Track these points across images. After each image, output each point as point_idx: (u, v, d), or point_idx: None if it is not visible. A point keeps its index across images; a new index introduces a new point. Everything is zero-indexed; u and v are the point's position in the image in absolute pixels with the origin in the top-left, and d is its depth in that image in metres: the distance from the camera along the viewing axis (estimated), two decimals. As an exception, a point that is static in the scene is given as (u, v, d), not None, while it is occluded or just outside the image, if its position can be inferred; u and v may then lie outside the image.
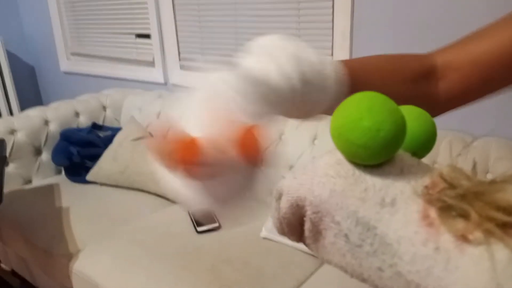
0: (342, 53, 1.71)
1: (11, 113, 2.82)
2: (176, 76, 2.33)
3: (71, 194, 1.90)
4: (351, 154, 0.31)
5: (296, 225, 0.33)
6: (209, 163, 0.29)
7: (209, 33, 2.12)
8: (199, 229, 1.54)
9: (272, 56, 0.36)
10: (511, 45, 0.45)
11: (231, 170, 0.32)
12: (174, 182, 0.33)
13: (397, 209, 0.28)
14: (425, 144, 0.35)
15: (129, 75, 2.53)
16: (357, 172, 0.31)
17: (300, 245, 1.43)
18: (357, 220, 0.29)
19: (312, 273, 1.36)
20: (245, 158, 0.30)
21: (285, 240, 1.46)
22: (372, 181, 0.30)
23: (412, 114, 0.35)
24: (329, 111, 0.40)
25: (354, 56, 1.70)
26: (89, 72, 2.77)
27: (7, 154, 1.99)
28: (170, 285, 1.30)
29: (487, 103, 1.43)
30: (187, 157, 0.29)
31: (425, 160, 0.35)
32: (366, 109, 0.30)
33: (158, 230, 1.58)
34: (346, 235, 0.29)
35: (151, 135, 2.08)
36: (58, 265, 1.55)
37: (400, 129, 0.30)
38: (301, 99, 0.37)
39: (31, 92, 3.16)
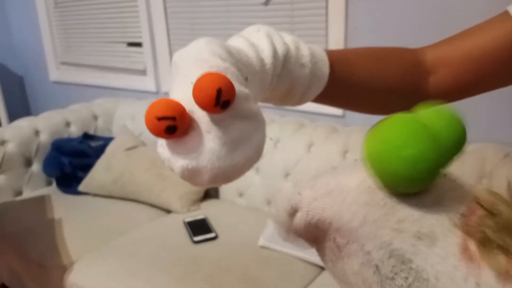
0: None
1: (-1, 124, 2.78)
2: (169, 84, 2.31)
3: (63, 206, 1.86)
4: (388, 182, 0.29)
5: (307, 239, 0.32)
6: (173, 122, 0.26)
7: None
8: (195, 239, 1.52)
9: (244, 36, 0.36)
10: (501, 42, 0.45)
11: (195, 123, 0.28)
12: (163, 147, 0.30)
13: (434, 241, 0.27)
14: (456, 151, 0.33)
15: (120, 84, 2.51)
16: (392, 201, 0.29)
17: (299, 254, 1.42)
18: (391, 252, 0.27)
19: (311, 282, 1.35)
20: (199, 103, 0.26)
21: (283, 249, 1.45)
22: (407, 211, 0.28)
23: (442, 119, 0.32)
24: (314, 93, 0.40)
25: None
26: (79, 81, 2.74)
27: (-3, 166, 1.96)
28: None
29: (479, 107, 1.44)
30: (155, 112, 0.26)
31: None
32: (407, 135, 0.27)
33: (153, 241, 1.56)
34: (376, 266, 0.28)
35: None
36: (52, 277, 1.52)
37: (441, 157, 0.28)
38: (278, 75, 0.37)
39: (20, 102, 3.12)
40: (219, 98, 0.26)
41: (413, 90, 0.47)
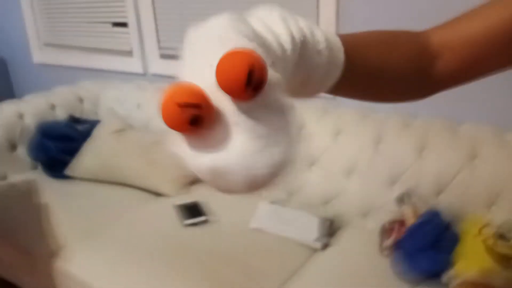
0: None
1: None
2: (156, 65, 2.26)
3: (50, 190, 1.82)
4: None
5: None
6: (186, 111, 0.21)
7: (190, 19, 2.06)
8: (187, 222, 1.50)
9: (259, 18, 0.31)
10: (502, 25, 0.45)
11: (217, 111, 0.23)
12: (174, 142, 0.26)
13: None
14: None
15: (106, 66, 2.45)
16: None
17: (290, 236, 1.41)
18: None
19: (303, 264, 1.34)
20: (225, 87, 0.22)
21: (275, 231, 1.44)
22: None
23: None
24: (331, 80, 0.38)
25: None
26: (63, 63, 2.66)
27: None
28: (158, 281, 1.26)
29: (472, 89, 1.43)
30: (176, 97, 0.21)
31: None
32: None
33: (144, 225, 1.53)
34: None
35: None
36: (41, 265, 1.49)
37: None
38: (296, 62, 0.33)
39: (2, 85, 3.03)
40: (251, 79, 0.21)
41: (420, 75, 0.47)
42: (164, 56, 2.22)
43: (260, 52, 0.25)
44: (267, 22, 0.31)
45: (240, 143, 0.23)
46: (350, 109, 1.61)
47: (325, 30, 0.37)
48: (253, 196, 1.67)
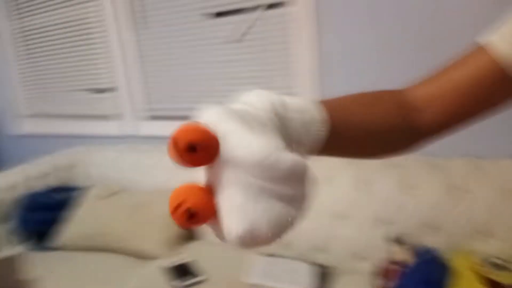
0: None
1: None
2: (146, 127, 2.29)
3: (39, 264, 1.74)
4: None
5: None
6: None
7: (179, 81, 2.12)
8: (179, 285, 1.45)
9: (247, 101, 0.35)
10: (478, 77, 0.47)
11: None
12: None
13: None
14: None
15: (96, 131, 2.47)
16: None
17: (288, 287, 1.37)
18: None
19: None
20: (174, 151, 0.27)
21: (275, 285, 1.39)
22: None
23: None
24: (314, 151, 0.40)
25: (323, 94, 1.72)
26: (51, 133, 2.67)
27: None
28: None
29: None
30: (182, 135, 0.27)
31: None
32: None
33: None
34: None
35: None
36: None
37: None
38: (276, 126, 0.35)
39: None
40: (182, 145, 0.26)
41: (405, 130, 0.49)
42: (153, 118, 2.26)
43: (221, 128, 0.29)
44: (252, 102, 0.35)
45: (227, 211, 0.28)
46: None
47: (307, 99, 0.39)
48: (246, 251, 1.63)
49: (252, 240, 0.27)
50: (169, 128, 2.17)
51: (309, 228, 1.57)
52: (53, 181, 2.18)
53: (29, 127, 2.79)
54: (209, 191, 0.28)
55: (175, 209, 0.27)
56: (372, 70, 1.60)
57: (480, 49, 0.48)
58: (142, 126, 2.30)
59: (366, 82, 1.61)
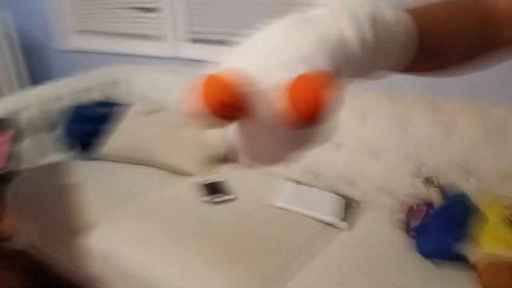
0: None
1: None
2: (188, 50, 2.30)
3: (82, 171, 1.89)
4: None
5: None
6: (239, 105, 0.24)
7: (222, 4, 2.09)
8: (214, 200, 1.53)
9: (350, 11, 0.32)
10: None
11: (270, 123, 0.26)
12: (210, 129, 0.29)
13: None
14: None
15: (138, 51, 2.51)
16: None
17: (314, 214, 1.42)
18: None
19: (326, 242, 1.35)
20: (294, 111, 0.23)
21: (300, 209, 1.45)
22: None
23: None
24: (399, 68, 0.39)
25: None
26: (96, 49, 2.74)
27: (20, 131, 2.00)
28: (183, 257, 1.30)
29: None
30: (209, 92, 0.23)
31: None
32: None
33: (172, 203, 1.58)
34: None
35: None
36: (71, 241, 1.56)
37: None
38: (371, 58, 0.34)
39: (37, 70, 3.16)
40: (322, 113, 0.23)
41: (491, 48, 0.46)
42: (195, 41, 2.26)
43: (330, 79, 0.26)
44: (358, 22, 0.32)
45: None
46: (377, 92, 1.59)
47: (406, 19, 0.37)
48: (277, 176, 1.69)
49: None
50: (209, 52, 2.18)
51: (339, 161, 1.59)
52: (96, 96, 2.27)
53: (76, 43, 2.87)
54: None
55: (218, 99, 0.24)
56: None
57: None
58: (184, 49, 2.32)
59: None
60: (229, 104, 0.23)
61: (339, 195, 1.53)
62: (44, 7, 2.97)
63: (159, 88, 2.20)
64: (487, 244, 1.13)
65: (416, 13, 0.39)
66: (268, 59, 0.27)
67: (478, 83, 1.45)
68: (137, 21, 2.47)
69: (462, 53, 0.45)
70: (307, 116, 0.23)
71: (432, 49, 0.42)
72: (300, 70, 0.25)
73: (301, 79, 0.23)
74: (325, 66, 0.27)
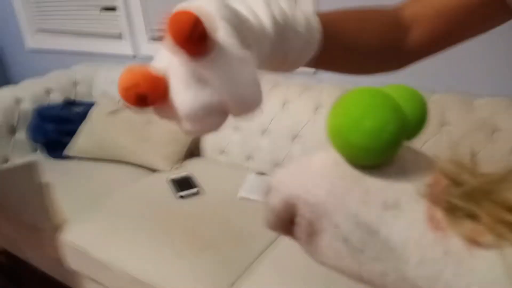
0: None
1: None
2: (146, 47, 2.34)
3: (50, 170, 1.93)
4: (351, 155, 0.29)
5: (287, 221, 0.32)
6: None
7: (177, 1, 2.13)
8: (180, 194, 1.62)
9: (244, 1, 0.35)
10: None
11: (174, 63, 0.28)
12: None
13: (400, 211, 0.26)
14: (419, 127, 0.33)
15: (98, 49, 2.53)
16: (357, 173, 0.29)
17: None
18: (358, 224, 0.27)
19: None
20: (173, 41, 0.25)
21: (261, 199, 1.56)
22: (372, 182, 0.28)
23: (404, 96, 0.32)
24: (305, 58, 0.41)
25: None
26: (56, 48, 2.73)
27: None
28: (154, 249, 1.38)
29: (444, 56, 1.53)
30: (121, 84, 0.27)
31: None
32: (367, 106, 0.27)
33: (140, 199, 1.65)
34: (345, 239, 0.28)
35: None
36: (46, 238, 1.61)
37: (403, 128, 0.27)
38: (275, 43, 0.36)
39: (-3, 71, 3.10)
40: (196, 28, 0.24)
41: (394, 47, 0.50)
42: (153, 38, 2.30)
43: (233, 23, 0.29)
44: (251, 5, 0.34)
45: (185, 95, 0.28)
46: (330, 85, 1.71)
47: (305, 11, 0.40)
48: (241, 169, 1.79)
49: (199, 130, 0.30)
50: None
51: (301, 153, 1.71)
52: (56, 97, 2.28)
53: (36, 42, 2.84)
54: (162, 77, 0.28)
55: (126, 90, 0.26)
56: None
57: None
58: (142, 47, 2.35)
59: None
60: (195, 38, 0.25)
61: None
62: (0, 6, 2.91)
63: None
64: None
65: (323, 14, 0.43)
66: None
67: (461, 75, 1.52)
68: (95, 19, 2.48)
69: (370, 56, 0.49)
70: (178, 32, 0.24)
71: (340, 47, 0.45)
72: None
73: (178, 10, 0.25)
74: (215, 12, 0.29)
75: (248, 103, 0.29)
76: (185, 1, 0.30)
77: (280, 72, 0.42)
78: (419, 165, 0.29)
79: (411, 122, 0.31)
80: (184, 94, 0.28)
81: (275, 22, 0.35)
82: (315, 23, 0.40)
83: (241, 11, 0.32)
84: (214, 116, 0.29)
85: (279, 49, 0.37)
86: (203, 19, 0.25)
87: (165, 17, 0.25)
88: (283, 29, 0.36)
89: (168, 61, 0.28)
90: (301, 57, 0.40)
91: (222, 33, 0.27)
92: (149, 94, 0.27)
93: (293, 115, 1.69)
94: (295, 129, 1.70)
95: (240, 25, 0.30)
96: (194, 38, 0.24)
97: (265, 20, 0.34)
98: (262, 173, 1.73)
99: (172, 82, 0.28)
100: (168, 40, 0.25)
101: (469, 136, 1.38)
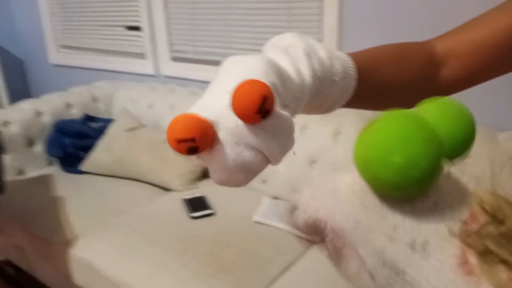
0: (330, 46, 1.77)
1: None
2: (167, 68, 2.37)
3: (66, 185, 1.94)
4: (379, 188, 0.27)
5: (310, 235, 0.32)
6: (197, 135, 0.26)
7: (201, 24, 2.17)
8: (194, 215, 1.59)
9: (286, 52, 0.35)
10: (507, 33, 0.46)
11: (225, 133, 0.28)
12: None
13: (430, 253, 0.25)
14: (463, 146, 0.30)
15: (119, 68, 2.57)
16: (385, 205, 0.27)
17: (290, 229, 1.50)
18: (384, 261, 0.26)
19: (302, 254, 1.43)
20: (238, 110, 0.26)
21: (276, 224, 1.52)
22: (401, 218, 0.26)
23: (446, 113, 0.29)
24: (339, 104, 0.41)
25: (343, 49, 1.77)
26: (79, 64, 2.78)
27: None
28: (169, 269, 1.35)
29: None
30: (174, 134, 0.26)
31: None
32: (397, 138, 0.25)
33: (153, 218, 1.63)
34: (371, 273, 0.27)
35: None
36: (57, 252, 1.59)
37: (437, 163, 0.25)
38: (312, 94, 0.36)
39: (20, 85, 3.16)
40: (264, 105, 0.25)
41: (427, 83, 0.49)
42: (175, 59, 2.33)
43: (277, 88, 0.29)
44: (294, 58, 0.34)
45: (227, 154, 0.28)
46: (352, 110, 1.69)
47: (341, 57, 0.39)
48: (256, 191, 1.76)
49: (228, 183, 0.29)
50: (188, 70, 2.25)
51: (315, 177, 1.68)
52: (78, 111, 2.31)
53: (60, 58, 2.90)
54: (212, 128, 0.28)
55: (179, 142, 0.26)
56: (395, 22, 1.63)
57: (508, 5, 0.46)
58: (164, 67, 2.38)
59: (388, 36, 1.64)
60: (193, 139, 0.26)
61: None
62: (26, 22, 3.00)
63: (139, 105, 2.26)
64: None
65: (358, 55, 0.42)
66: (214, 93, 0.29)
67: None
68: (119, 38, 2.53)
69: (404, 93, 0.48)
70: (246, 109, 0.25)
71: (375, 88, 0.44)
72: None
73: (241, 84, 0.26)
74: (263, 79, 0.29)
75: (284, 155, 0.29)
76: (231, 58, 0.31)
77: (315, 114, 0.42)
78: (457, 196, 0.27)
79: (455, 141, 0.28)
80: (231, 149, 0.28)
81: (315, 77, 0.35)
82: (352, 70, 0.40)
83: (284, 67, 0.32)
84: (250, 173, 0.29)
85: (315, 99, 0.37)
86: (269, 95, 0.25)
87: (234, 87, 0.26)
88: (321, 81, 0.36)
89: (219, 115, 0.28)
90: (336, 103, 0.40)
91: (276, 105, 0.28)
92: (200, 147, 0.27)
93: (312, 140, 1.68)
94: (313, 154, 1.68)
95: (283, 86, 0.31)
96: (260, 114, 0.26)
97: (307, 77, 0.34)
98: (277, 198, 1.70)
99: (222, 135, 0.28)
100: (234, 107, 0.26)
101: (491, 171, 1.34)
